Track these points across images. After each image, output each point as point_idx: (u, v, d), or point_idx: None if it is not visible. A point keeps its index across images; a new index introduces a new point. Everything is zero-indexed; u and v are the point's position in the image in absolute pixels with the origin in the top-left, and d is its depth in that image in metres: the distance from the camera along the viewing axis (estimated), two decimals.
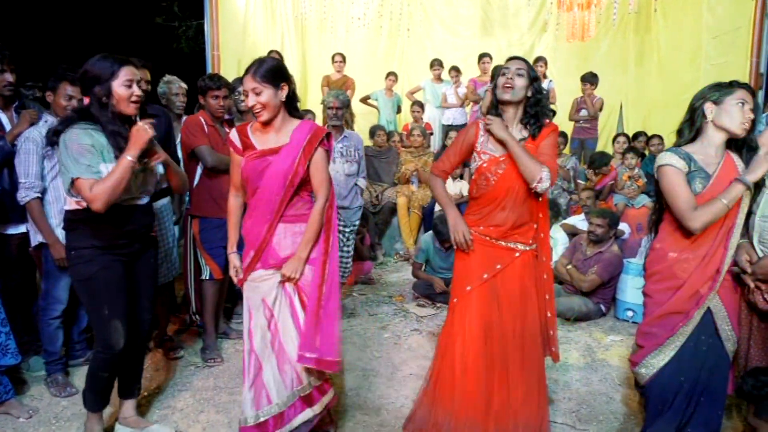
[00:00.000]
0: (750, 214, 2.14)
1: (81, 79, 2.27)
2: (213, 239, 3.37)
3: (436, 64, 7.62)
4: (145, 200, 2.44)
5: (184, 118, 3.70)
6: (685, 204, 2.07)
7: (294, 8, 8.35)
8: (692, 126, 2.19)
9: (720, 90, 2.14)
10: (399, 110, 7.91)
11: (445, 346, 2.47)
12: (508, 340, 2.39)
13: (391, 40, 8.75)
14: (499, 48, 8.17)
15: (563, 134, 6.43)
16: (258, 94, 2.21)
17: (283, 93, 2.25)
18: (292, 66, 7.76)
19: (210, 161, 3.27)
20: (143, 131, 2.22)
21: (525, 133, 2.38)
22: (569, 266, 4.42)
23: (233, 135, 2.37)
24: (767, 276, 2.05)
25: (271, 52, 7.09)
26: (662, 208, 2.25)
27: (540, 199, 2.45)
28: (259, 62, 2.25)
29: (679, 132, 2.25)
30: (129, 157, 2.19)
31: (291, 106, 2.32)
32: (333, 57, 7.57)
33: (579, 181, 5.96)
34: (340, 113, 4.12)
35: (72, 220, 2.35)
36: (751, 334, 2.23)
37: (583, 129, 7.04)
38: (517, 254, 2.42)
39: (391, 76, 7.72)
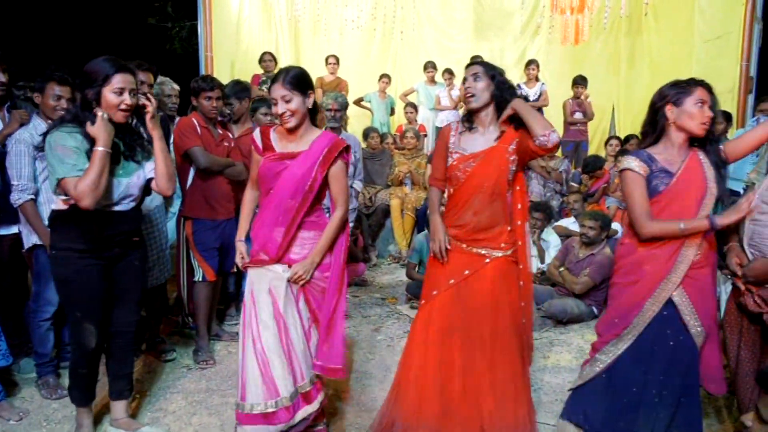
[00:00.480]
0: None
1: (79, 78, 2.27)
2: (206, 241, 3.35)
3: (429, 66, 7.64)
4: (127, 206, 2.40)
5: (177, 119, 3.69)
6: (639, 210, 2.15)
7: (288, 10, 8.34)
8: (655, 127, 2.22)
9: (679, 90, 2.17)
10: (392, 112, 7.91)
11: (406, 350, 2.49)
12: (475, 348, 2.36)
13: (384, 43, 8.76)
14: (492, 51, 8.20)
15: None
16: (288, 102, 2.23)
17: (310, 100, 2.29)
18: None
19: (203, 162, 3.26)
20: (100, 123, 2.19)
21: (499, 131, 2.36)
22: (562, 269, 4.43)
23: (256, 134, 2.40)
24: (758, 278, 2.06)
25: (264, 54, 7.10)
26: None
27: (511, 195, 2.40)
28: (286, 70, 2.29)
29: (644, 134, 2.29)
30: (100, 148, 2.17)
31: (313, 114, 2.34)
32: (326, 59, 7.56)
33: (572, 183, 5.99)
34: (339, 115, 4.13)
35: (54, 219, 2.36)
36: (741, 336, 2.25)
37: (579, 132, 7.07)
38: (487, 260, 2.37)
39: (385, 78, 7.73)
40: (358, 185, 4.33)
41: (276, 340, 2.27)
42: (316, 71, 7.89)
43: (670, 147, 2.20)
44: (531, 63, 7.32)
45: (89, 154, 2.22)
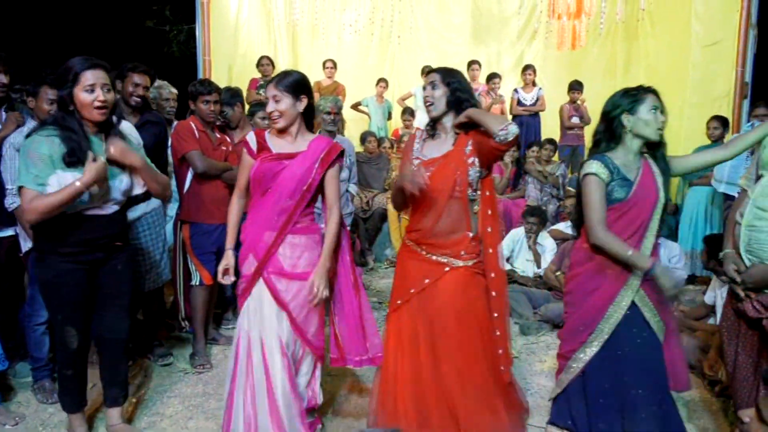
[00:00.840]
0: (736, 224, 2.16)
1: (53, 80, 2.27)
2: (203, 245, 3.35)
3: (427, 70, 7.64)
4: (110, 210, 2.35)
5: (175, 123, 3.69)
6: (596, 216, 2.18)
7: (286, 14, 8.34)
8: (612, 136, 2.25)
9: (632, 99, 2.22)
10: (389, 116, 7.92)
11: (383, 358, 2.48)
12: (441, 359, 2.32)
13: (382, 47, 8.77)
14: (489, 55, 8.22)
15: (552, 141, 6.47)
16: (277, 102, 2.28)
17: (302, 105, 2.31)
18: None
19: (200, 167, 3.25)
20: (98, 169, 2.16)
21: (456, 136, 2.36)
22: (558, 273, 4.43)
23: (250, 137, 2.42)
24: (757, 284, 2.07)
25: (262, 58, 7.10)
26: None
27: (480, 201, 2.37)
28: (284, 73, 2.36)
29: (597, 143, 2.30)
30: (78, 183, 2.12)
31: (308, 119, 2.36)
32: (324, 63, 7.56)
33: (569, 188, 5.99)
34: (337, 119, 4.14)
35: (36, 221, 2.30)
36: (739, 340, 2.25)
37: (576, 136, 7.09)
38: (447, 269, 2.32)
39: (382, 82, 7.74)
40: (353, 189, 4.33)
41: (264, 400, 2.29)
42: (314, 75, 7.89)
43: (627, 153, 2.25)
44: (528, 68, 7.33)
45: (65, 158, 2.16)
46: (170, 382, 3.24)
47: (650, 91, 2.25)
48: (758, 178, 2.14)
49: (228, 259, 2.41)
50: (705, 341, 3.51)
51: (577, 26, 7.75)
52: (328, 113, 4.03)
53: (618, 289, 2.22)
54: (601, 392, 2.27)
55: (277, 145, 2.36)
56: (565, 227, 5.20)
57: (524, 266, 4.78)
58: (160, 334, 3.73)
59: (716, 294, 3.54)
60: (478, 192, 2.36)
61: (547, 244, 4.87)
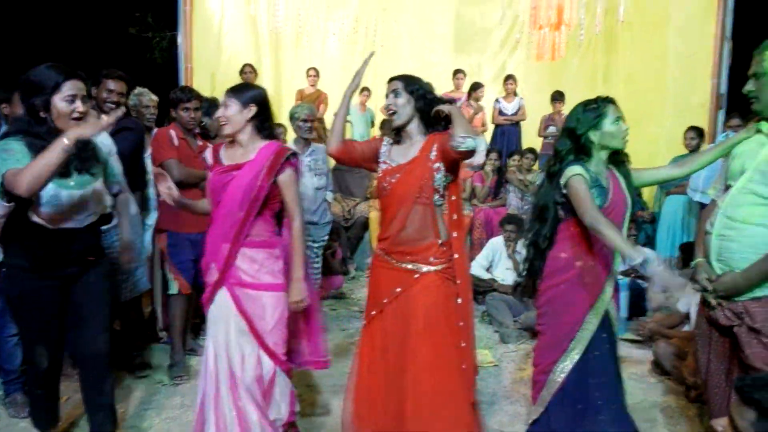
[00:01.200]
0: (706, 233, 2.19)
1: (20, 87, 2.15)
2: (180, 254, 3.32)
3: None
4: (82, 223, 2.27)
5: (155, 130, 3.66)
6: (590, 203, 2.19)
7: (269, 22, 8.33)
8: (582, 151, 2.29)
9: (595, 114, 2.28)
10: (373, 125, 7.93)
11: (354, 372, 2.46)
12: (413, 371, 2.25)
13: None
14: (471, 66, 8.27)
15: (532, 150, 6.53)
16: (225, 107, 2.31)
17: (249, 113, 2.31)
18: (266, 80, 7.74)
19: (177, 175, 3.22)
20: (95, 125, 2.04)
21: (423, 142, 2.34)
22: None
23: (208, 152, 2.46)
24: (728, 292, 2.09)
25: (245, 66, 7.09)
26: (557, 220, 2.35)
27: (446, 206, 2.34)
28: (240, 84, 2.43)
29: (563, 159, 2.32)
30: (66, 139, 1.95)
31: (261, 127, 2.36)
32: (307, 71, 7.58)
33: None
34: (312, 126, 4.13)
35: (4, 234, 2.25)
36: (711, 348, 2.27)
37: (552, 145, 7.15)
38: (417, 276, 2.29)
39: (365, 91, 7.75)
40: (329, 196, 4.32)
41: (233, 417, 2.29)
42: (297, 83, 7.91)
43: (598, 163, 2.32)
44: (509, 78, 7.42)
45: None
46: (147, 394, 3.19)
47: (609, 101, 2.32)
48: (727, 188, 2.17)
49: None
50: (681, 348, 3.55)
51: (557, 37, 7.84)
52: (304, 120, 4.02)
53: (596, 296, 2.26)
54: (579, 398, 2.30)
55: (228, 156, 2.38)
56: None
57: (504, 275, 4.80)
58: (138, 345, 3.68)
59: (691, 301, 3.58)
60: (443, 198, 2.34)
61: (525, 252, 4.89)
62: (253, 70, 7.09)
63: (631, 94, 7.83)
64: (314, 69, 7.59)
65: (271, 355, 2.35)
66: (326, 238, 4.34)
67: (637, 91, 7.69)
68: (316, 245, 4.20)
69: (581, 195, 2.20)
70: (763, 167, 2.03)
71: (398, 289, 2.31)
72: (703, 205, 4.86)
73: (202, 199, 3.30)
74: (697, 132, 5.44)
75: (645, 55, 7.58)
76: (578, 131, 2.30)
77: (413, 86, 2.33)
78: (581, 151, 2.30)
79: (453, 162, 2.28)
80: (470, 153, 2.14)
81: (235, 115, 2.29)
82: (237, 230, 2.27)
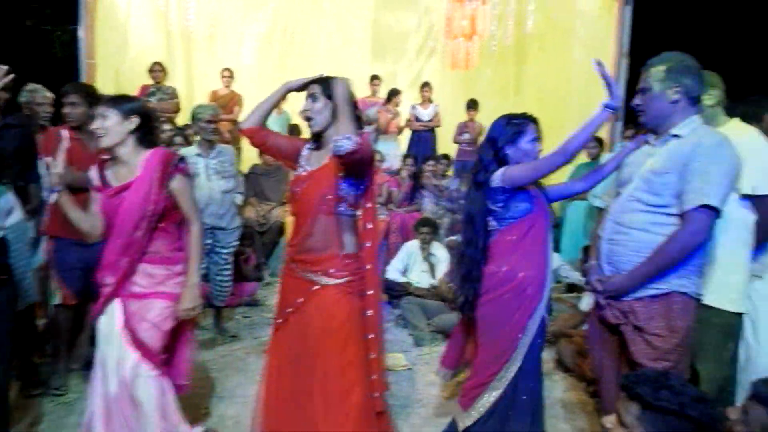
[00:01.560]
0: (598, 238, 2.34)
1: None
2: (66, 261, 3.12)
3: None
4: None
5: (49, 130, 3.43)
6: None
7: (180, 18, 8.04)
8: (501, 162, 2.39)
9: (515, 130, 2.40)
10: (292, 130, 7.83)
11: (264, 379, 2.42)
12: (310, 383, 2.20)
13: (282, 58, 8.68)
14: (387, 72, 8.36)
15: (446, 156, 6.72)
16: (104, 118, 2.21)
17: (130, 125, 2.23)
18: (177, 80, 7.46)
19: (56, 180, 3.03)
20: None
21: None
22: (451, 284, 4.57)
23: (93, 171, 2.33)
24: (616, 292, 2.22)
25: (154, 64, 6.78)
26: (488, 230, 2.41)
27: (361, 214, 2.28)
28: (119, 95, 2.35)
29: (486, 167, 2.40)
30: None
31: (144, 140, 2.28)
32: (221, 72, 7.39)
33: (461, 201, 6.22)
34: (216, 127, 4.02)
35: None
36: (603, 346, 2.41)
37: (466, 152, 7.40)
38: (316, 288, 2.20)
39: None
40: (238, 199, 4.22)
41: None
42: (211, 84, 7.68)
43: None
44: (425, 85, 7.63)
45: None
46: (39, 412, 2.98)
47: (531, 120, 2.42)
48: (617, 195, 2.33)
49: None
50: (582, 346, 3.75)
51: (471, 47, 8.11)
52: (208, 122, 3.91)
53: (537, 303, 2.34)
54: (513, 402, 2.36)
55: (115, 175, 2.30)
56: None
57: (419, 277, 4.88)
58: (31, 360, 3.42)
59: (590, 302, 3.80)
60: (355, 207, 2.27)
61: (441, 254, 5.00)
62: (163, 69, 6.80)
63: (540, 105, 8.23)
64: (228, 70, 7.41)
65: (154, 365, 2.27)
66: (236, 243, 4.22)
67: (546, 103, 8.10)
68: (225, 251, 4.07)
69: (527, 167, 2.31)
70: (647, 176, 2.18)
71: (300, 300, 2.23)
72: (601, 210, 5.20)
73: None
74: (598, 141, 5.81)
75: (552, 68, 8.00)
76: (498, 143, 2.40)
77: (332, 91, 2.24)
78: (501, 162, 2.38)
79: (352, 167, 2.14)
80: (353, 154, 2.02)
81: (114, 127, 2.20)
82: (135, 247, 2.20)
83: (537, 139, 2.41)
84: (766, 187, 2.38)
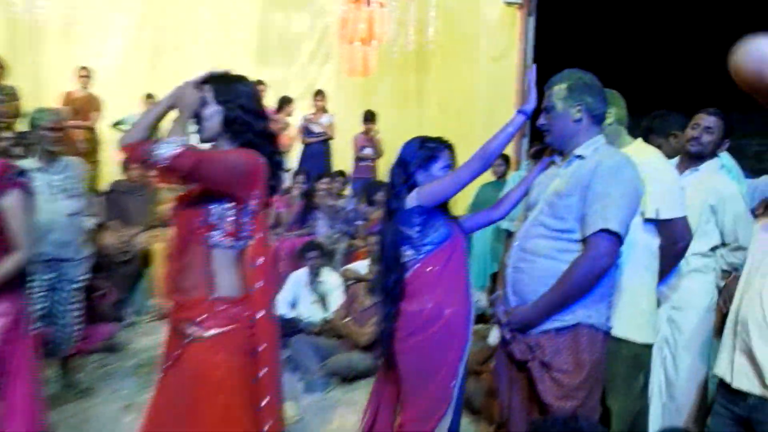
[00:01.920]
0: (505, 266, 2.37)
1: None
2: None
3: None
4: None
5: None
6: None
7: (27, 4, 7.54)
8: (413, 187, 2.43)
9: (428, 154, 2.48)
10: None
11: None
12: None
13: (154, 58, 8.35)
14: (276, 78, 8.26)
15: (342, 173, 6.70)
16: None
17: None
18: (20, 78, 6.93)
19: None
20: None
21: None
22: (347, 319, 4.51)
23: None
24: (522, 325, 2.26)
25: None
26: (404, 263, 2.44)
27: (251, 247, 2.03)
28: None
29: (397, 192, 2.45)
30: None
31: None
32: (77, 71, 7.05)
33: (358, 222, 6.18)
34: (59, 136, 3.71)
35: None
36: (512, 384, 2.43)
37: (368, 168, 7.44)
38: (186, 341, 1.94)
39: (150, 98, 7.32)
40: (88, 223, 3.92)
41: None
42: (64, 84, 7.24)
43: None
44: (319, 93, 7.64)
45: None
46: None
47: (446, 146, 2.50)
48: (525, 219, 2.38)
49: None
50: (491, 384, 3.80)
51: (368, 53, 8.22)
52: (52, 129, 3.59)
53: (465, 343, 2.39)
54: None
55: None
56: (361, 267, 5.31)
57: (309, 310, 4.77)
58: None
59: (497, 335, 3.87)
60: (237, 238, 2.01)
61: (332, 281, 4.92)
62: (2, 65, 6.31)
63: (443, 116, 8.51)
64: (86, 69, 7.07)
65: None
66: (86, 276, 3.90)
67: (449, 114, 8.36)
68: (71, 286, 3.72)
69: (445, 179, 2.37)
70: (551, 199, 2.25)
71: (177, 353, 1.98)
72: (509, 233, 5.39)
73: None
74: (504, 159, 6.04)
75: (456, 78, 8.30)
76: (409, 167, 2.44)
77: (227, 96, 2.02)
78: (411, 188, 2.42)
79: (212, 184, 1.94)
80: (176, 165, 1.84)
81: None
82: None
83: (450, 166, 2.47)
84: (670, 210, 2.54)
